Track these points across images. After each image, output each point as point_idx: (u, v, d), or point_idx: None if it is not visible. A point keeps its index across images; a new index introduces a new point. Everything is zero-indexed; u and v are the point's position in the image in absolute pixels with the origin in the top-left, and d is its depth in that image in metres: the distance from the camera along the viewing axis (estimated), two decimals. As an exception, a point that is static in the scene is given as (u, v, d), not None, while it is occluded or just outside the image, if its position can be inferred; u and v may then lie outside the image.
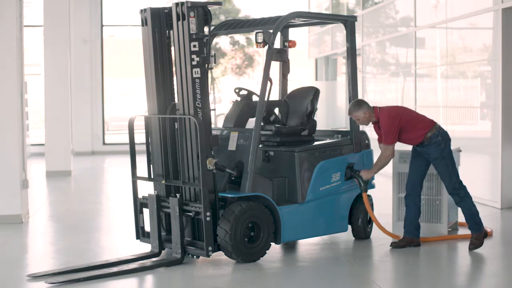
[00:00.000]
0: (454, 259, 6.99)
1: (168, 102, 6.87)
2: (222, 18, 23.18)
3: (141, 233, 7.15)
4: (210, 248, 6.44)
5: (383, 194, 9.57)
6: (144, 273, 6.34)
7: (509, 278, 6.33)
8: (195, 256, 6.64)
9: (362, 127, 8.06)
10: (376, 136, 7.37)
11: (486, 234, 7.17)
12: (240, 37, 24.15)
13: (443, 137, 7.11)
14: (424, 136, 7.07)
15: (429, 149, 7.09)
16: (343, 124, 17.50)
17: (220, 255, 6.74)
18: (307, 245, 7.39)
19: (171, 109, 6.80)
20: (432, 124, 7.13)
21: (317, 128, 7.62)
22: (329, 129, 8.24)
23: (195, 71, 6.55)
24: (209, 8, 6.62)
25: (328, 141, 7.49)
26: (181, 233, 6.57)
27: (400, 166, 7.73)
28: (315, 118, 7.57)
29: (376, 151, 7.50)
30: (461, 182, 7.11)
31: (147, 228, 7.08)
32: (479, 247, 7.05)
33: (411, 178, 7.24)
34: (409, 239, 7.21)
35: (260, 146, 7.22)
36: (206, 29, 6.63)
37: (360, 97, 8.35)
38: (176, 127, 6.77)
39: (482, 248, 7.18)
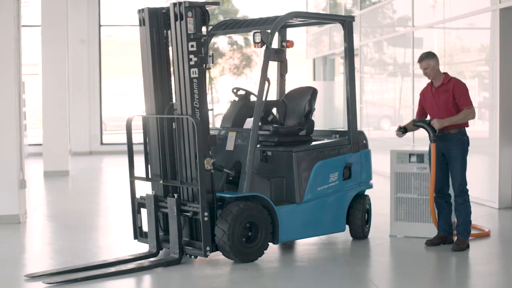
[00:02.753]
0: (452, 259, 6.98)
1: (166, 102, 6.86)
2: (221, 18, 23.18)
3: (139, 233, 7.15)
4: (208, 248, 6.44)
5: (382, 194, 9.59)
6: (142, 273, 6.34)
7: (507, 277, 6.34)
8: (193, 256, 6.64)
9: (359, 127, 8.05)
10: (382, 136, 7.37)
11: (468, 246, 7.18)
12: (238, 37, 24.15)
13: (467, 140, 7.20)
14: (458, 125, 7.10)
15: (451, 145, 7.11)
16: (341, 124, 17.51)
17: (218, 255, 6.74)
18: (305, 245, 7.39)
19: (169, 109, 6.79)
20: (467, 124, 7.20)
21: (315, 128, 7.62)
22: (327, 129, 8.24)
23: (193, 71, 6.55)
24: (207, 8, 6.62)
25: (326, 141, 7.50)
26: (179, 233, 6.57)
27: (398, 166, 7.73)
28: (313, 118, 7.57)
29: (374, 151, 7.53)
30: (467, 188, 7.20)
31: (145, 228, 7.07)
32: (461, 251, 7.06)
33: (436, 180, 7.23)
34: (442, 237, 7.28)
35: (258, 146, 7.22)
36: (204, 29, 6.63)
37: (357, 97, 8.39)
38: (174, 127, 6.76)
39: (480, 248, 7.20)
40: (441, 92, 7.17)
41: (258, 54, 24.50)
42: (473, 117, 7.14)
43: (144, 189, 7.44)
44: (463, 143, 7.15)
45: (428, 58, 7.15)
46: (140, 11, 6.88)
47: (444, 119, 7.07)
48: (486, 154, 9.83)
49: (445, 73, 7.24)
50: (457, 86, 7.12)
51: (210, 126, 6.87)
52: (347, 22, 7.56)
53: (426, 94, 7.34)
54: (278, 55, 6.94)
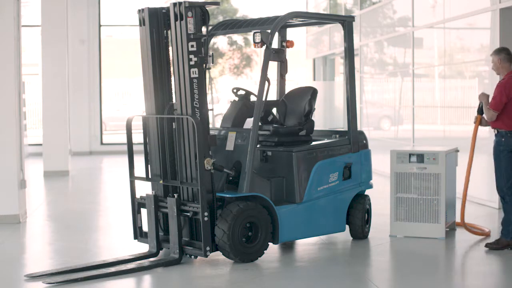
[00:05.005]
0: (452, 258, 6.99)
1: (166, 102, 6.86)
2: (220, 18, 23.18)
3: (139, 233, 7.15)
4: (208, 248, 6.44)
5: (381, 194, 9.59)
6: (142, 273, 6.34)
7: (507, 277, 6.34)
8: (193, 256, 6.64)
9: (359, 127, 8.06)
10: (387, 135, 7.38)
11: (510, 246, 7.09)
12: (238, 37, 24.15)
13: (500, 142, 7.09)
14: (499, 127, 7.10)
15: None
16: (341, 124, 17.51)
17: (218, 255, 6.74)
18: (305, 245, 7.39)
19: (169, 109, 6.79)
20: (508, 127, 7.11)
21: (315, 128, 7.62)
22: (327, 129, 8.24)
23: (193, 71, 6.55)
24: (207, 8, 6.62)
25: (326, 141, 7.50)
26: (179, 233, 6.57)
27: (398, 166, 7.73)
28: (313, 118, 7.57)
29: (374, 151, 7.50)
30: (503, 190, 7.11)
31: (145, 228, 7.07)
32: (495, 250, 7.04)
33: (507, 177, 7.10)
34: (505, 242, 7.11)
35: (258, 146, 7.22)
36: (204, 29, 6.63)
37: (357, 97, 8.41)
38: (174, 127, 6.76)
39: (480, 248, 7.20)
40: (495, 87, 7.24)
41: (258, 54, 24.50)
42: (489, 118, 7.12)
43: (144, 189, 7.45)
44: (496, 145, 7.13)
45: (494, 54, 7.24)
46: (140, 11, 6.88)
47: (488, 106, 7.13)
48: (486, 154, 9.82)
49: (509, 73, 7.20)
50: (497, 86, 7.15)
51: (210, 126, 6.87)
52: (347, 22, 7.56)
53: None
54: (278, 55, 6.93)
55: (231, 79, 25.07)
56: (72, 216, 9.36)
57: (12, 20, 8.63)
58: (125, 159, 7.91)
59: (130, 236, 7.34)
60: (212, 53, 6.67)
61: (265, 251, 6.74)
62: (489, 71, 9.88)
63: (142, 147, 7.01)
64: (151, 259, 6.75)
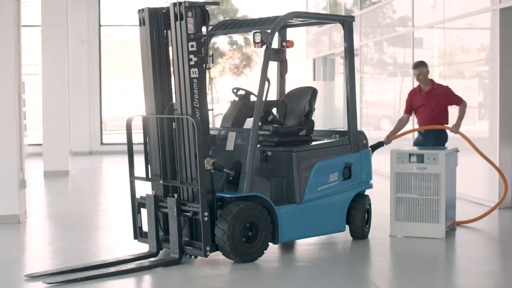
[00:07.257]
0: (452, 258, 6.99)
1: (166, 102, 6.87)
2: (221, 18, 23.18)
3: (139, 233, 7.15)
4: (208, 248, 6.44)
5: (381, 194, 9.59)
6: (142, 273, 6.34)
7: (507, 277, 6.34)
8: (193, 256, 6.64)
9: (359, 127, 8.07)
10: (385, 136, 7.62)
11: None
12: (238, 37, 24.16)
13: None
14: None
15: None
16: (341, 124, 17.51)
17: (218, 255, 6.74)
18: (305, 245, 7.39)
19: (169, 109, 6.79)
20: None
21: (315, 128, 7.62)
22: (327, 129, 8.24)
23: (193, 71, 6.55)
24: (207, 8, 6.62)
25: (326, 141, 7.50)
26: (179, 233, 6.57)
27: (398, 166, 7.73)
28: (313, 118, 7.57)
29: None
30: None
31: (145, 228, 7.08)
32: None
33: None
34: None
35: (258, 146, 7.22)
36: (204, 29, 6.63)
37: (357, 97, 8.54)
38: (174, 127, 6.76)
39: (480, 248, 7.20)
40: (431, 96, 8.56)
41: (258, 54, 24.51)
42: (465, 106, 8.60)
43: (144, 189, 7.45)
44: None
45: (422, 66, 8.61)
46: (140, 11, 6.88)
47: (458, 122, 8.53)
48: (486, 154, 9.82)
49: (432, 80, 8.67)
50: (444, 91, 8.60)
51: (210, 126, 6.87)
52: (347, 22, 7.56)
53: (414, 96, 8.74)
54: (278, 55, 6.93)
55: (231, 79, 25.09)
56: (72, 216, 9.36)
57: (12, 20, 8.63)
58: (125, 159, 7.91)
59: (130, 236, 7.34)
60: (212, 53, 6.67)
61: (265, 251, 6.74)
62: (489, 71, 9.89)
63: (142, 147, 7.01)
64: (151, 259, 6.75)
